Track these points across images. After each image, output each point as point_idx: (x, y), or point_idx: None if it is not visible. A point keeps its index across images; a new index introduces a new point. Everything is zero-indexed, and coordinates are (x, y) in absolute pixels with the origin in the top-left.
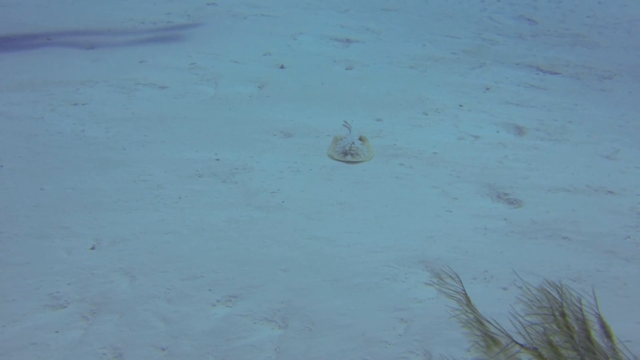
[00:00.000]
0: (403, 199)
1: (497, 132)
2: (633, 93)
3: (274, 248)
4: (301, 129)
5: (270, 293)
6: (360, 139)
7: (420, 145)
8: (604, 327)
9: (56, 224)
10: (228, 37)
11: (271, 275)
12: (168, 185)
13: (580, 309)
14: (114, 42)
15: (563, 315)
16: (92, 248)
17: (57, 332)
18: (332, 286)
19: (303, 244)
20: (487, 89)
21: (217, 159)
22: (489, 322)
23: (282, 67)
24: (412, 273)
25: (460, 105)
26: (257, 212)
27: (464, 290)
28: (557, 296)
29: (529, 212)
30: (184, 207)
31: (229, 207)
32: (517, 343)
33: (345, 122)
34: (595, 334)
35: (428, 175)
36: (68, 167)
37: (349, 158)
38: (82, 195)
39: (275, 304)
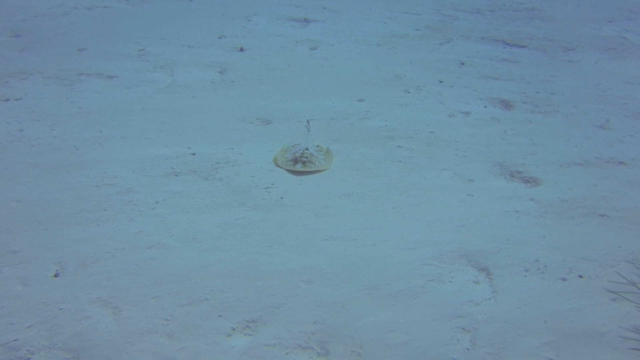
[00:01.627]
0: (415, 185)
1: (485, 107)
2: (599, 63)
3: (286, 255)
4: (280, 115)
5: (297, 312)
6: (318, 147)
7: (413, 125)
8: None
9: (1, 248)
10: (176, 20)
11: (292, 289)
12: (139, 188)
13: None
14: (44, 28)
15: None
16: (56, 275)
17: None
18: (370, 296)
19: (321, 247)
20: (462, 63)
21: (193, 154)
22: None
23: (241, 49)
24: (457, 271)
25: (440, 82)
26: (254, 212)
27: None
28: None
29: (552, 190)
30: (165, 214)
31: (219, 209)
32: None
33: (307, 122)
34: None
35: (432, 157)
36: (7, 174)
37: (299, 167)
38: (31, 209)
39: (306, 325)
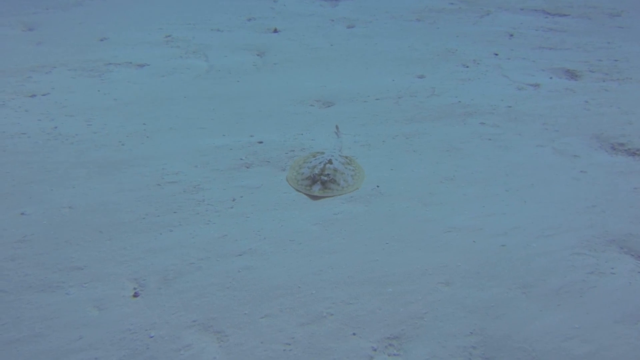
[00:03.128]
0: (517, 164)
1: (550, 78)
2: None
3: (409, 253)
4: (340, 96)
5: (446, 322)
6: (347, 159)
7: (485, 100)
8: None
9: (63, 264)
10: (198, 4)
11: (431, 294)
12: (209, 185)
13: None
14: (58, 20)
15: None
16: (135, 294)
17: None
18: (526, 296)
19: (445, 240)
20: (511, 35)
21: (260, 142)
22: None
23: (275, 31)
24: (614, 260)
25: (496, 54)
26: (352, 205)
27: None
28: None
29: None
30: (247, 213)
31: (309, 203)
32: None
33: (337, 127)
34: None
35: (522, 133)
36: (51, 178)
37: (316, 190)
38: (87, 216)
39: (463, 338)
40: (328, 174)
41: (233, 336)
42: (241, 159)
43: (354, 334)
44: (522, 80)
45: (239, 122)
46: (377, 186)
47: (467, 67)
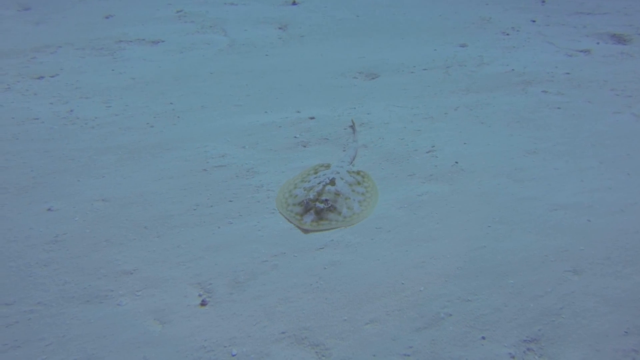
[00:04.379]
0: (600, 133)
1: (598, 43)
2: None
3: (519, 236)
4: (383, 67)
5: (590, 320)
6: (359, 175)
7: (539, 67)
8: None
9: (107, 268)
10: None
11: (560, 284)
12: (264, 167)
13: None
14: None
15: None
16: (203, 303)
17: None
18: None
19: (554, 220)
20: (543, 1)
21: (312, 117)
22: None
23: (294, 3)
24: None
25: (533, 21)
26: (435, 185)
27: None
28: None
29: None
30: None
31: (386, 184)
32: None
33: (352, 122)
34: None
35: (592, 101)
36: (75, 167)
37: (307, 222)
38: (125, 210)
39: (618, 339)
40: (326, 200)
41: (336, 349)
42: (295, 137)
43: (483, 337)
44: (570, 46)
45: (279, 98)
46: (456, 162)
47: (508, 34)
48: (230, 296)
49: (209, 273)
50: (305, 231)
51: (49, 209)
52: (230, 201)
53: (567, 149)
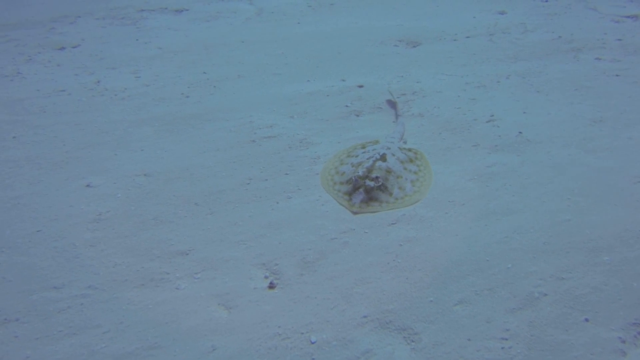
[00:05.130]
0: None
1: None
2: None
3: (605, 209)
4: (424, 34)
5: None
6: (412, 152)
7: (587, 33)
8: None
9: (159, 248)
10: None
11: None
12: (317, 138)
13: None
14: None
15: None
16: (271, 285)
17: None
18: None
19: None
20: None
21: (360, 86)
22: None
23: None
24: None
25: None
26: (502, 155)
27: None
28: None
29: None
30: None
31: (450, 155)
32: None
33: (391, 94)
34: None
35: None
36: (110, 140)
37: (356, 203)
38: (171, 184)
39: None
40: (377, 178)
41: (426, 333)
42: (347, 106)
43: (586, 319)
44: (615, 12)
45: (319, 66)
46: (520, 132)
47: (547, 1)
48: (300, 277)
49: (274, 253)
50: (355, 213)
51: (87, 185)
52: (287, 174)
53: (637, 117)
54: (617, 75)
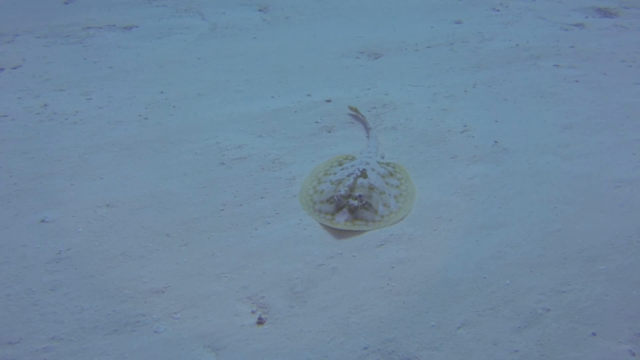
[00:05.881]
0: (630, 105)
1: (586, 17)
2: None
3: (592, 216)
4: (384, 46)
5: None
6: (390, 166)
7: (541, 41)
8: None
9: (131, 287)
10: None
11: None
12: (291, 157)
13: None
14: None
15: None
16: (260, 321)
17: None
18: None
19: (622, 197)
20: None
21: (328, 100)
22: None
23: None
24: None
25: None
26: (480, 166)
27: None
28: None
29: None
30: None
31: (429, 168)
32: None
33: (355, 110)
34: None
35: (607, 73)
36: (65, 169)
37: (340, 222)
38: (138, 215)
39: None
40: (360, 196)
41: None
42: (317, 122)
43: (593, 334)
44: (562, 20)
45: (282, 81)
46: (496, 141)
47: (498, 10)
48: (291, 310)
49: (258, 284)
50: (340, 231)
51: (42, 220)
52: (262, 197)
53: (603, 122)
54: (576, 82)
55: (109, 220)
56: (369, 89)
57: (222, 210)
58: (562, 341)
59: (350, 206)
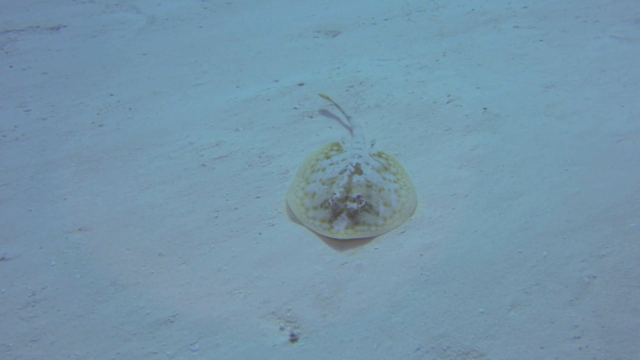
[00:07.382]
0: (598, 59)
1: None
2: None
3: (607, 174)
4: (339, 22)
5: None
6: (382, 156)
7: (494, 4)
8: None
9: (128, 322)
10: None
11: None
12: (277, 149)
13: None
14: None
15: None
16: (293, 338)
17: None
18: None
19: (629, 151)
20: None
21: (301, 84)
22: None
23: None
24: None
25: None
26: (478, 135)
27: None
28: None
29: None
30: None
31: (429, 144)
32: None
33: (328, 98)
34: None
35: (566, 30)
36: (18, 193)
37: (341, 230)
38: (120, 235)
39: None
40: (359, 197)
41: (493, 352)
42: (295, 108)
43: None
44: None
45: (243, 70)
46: (485, 108)
47: None
48: (324, 320)
49: (280, 296)
50: (340, 241)
51: (2, 259)
52: (258, 197)
53: (582, 78)
54: (541, 40)
55: (86, 247)
56: (339, 67)
57: (216, 217)
58: (618, 308)
59: (349, 210)
